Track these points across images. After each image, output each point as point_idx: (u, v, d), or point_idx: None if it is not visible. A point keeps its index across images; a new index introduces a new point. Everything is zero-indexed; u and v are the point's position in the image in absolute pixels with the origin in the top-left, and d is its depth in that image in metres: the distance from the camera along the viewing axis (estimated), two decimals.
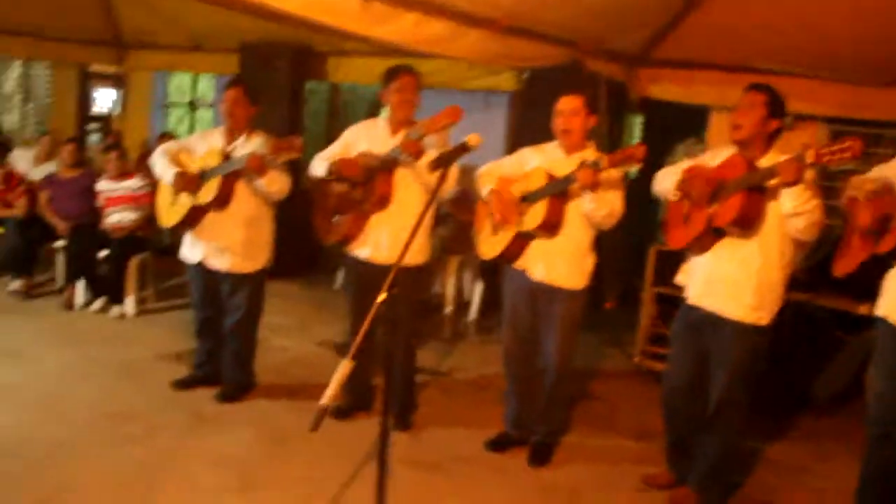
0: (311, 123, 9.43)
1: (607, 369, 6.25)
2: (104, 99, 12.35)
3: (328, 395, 2.61)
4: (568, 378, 4.47)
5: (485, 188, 4.32)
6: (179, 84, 11.78)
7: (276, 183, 4.61)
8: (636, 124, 9.46)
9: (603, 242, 6.10)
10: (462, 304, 7.58)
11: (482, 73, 7.27)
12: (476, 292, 7.40)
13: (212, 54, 9.13)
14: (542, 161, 4.26)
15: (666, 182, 3.95)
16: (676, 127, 8.96)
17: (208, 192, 4.64)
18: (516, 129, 7.14)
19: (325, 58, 8.28)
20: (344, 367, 2.63)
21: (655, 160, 4.81)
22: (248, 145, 4.69)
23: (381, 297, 2.77)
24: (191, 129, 11.50)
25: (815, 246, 5.42)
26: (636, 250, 6.60)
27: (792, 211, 3.48)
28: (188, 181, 4.69)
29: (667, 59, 6.34)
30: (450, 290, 7.43)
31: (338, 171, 4.41)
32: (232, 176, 4.63)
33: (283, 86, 7.96)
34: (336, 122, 9.81)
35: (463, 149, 3.29)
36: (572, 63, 5.95)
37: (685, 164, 4.01)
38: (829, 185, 6.27)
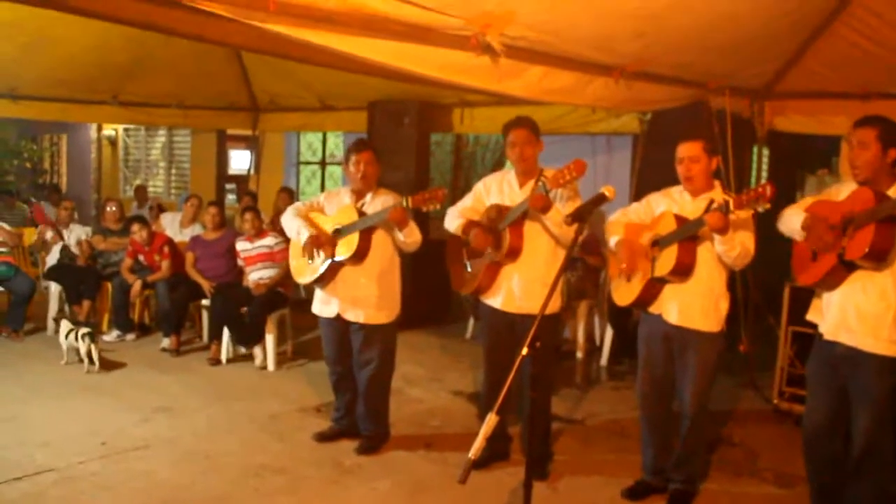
0: (436, 175, 9.66)
1: (745, 413, 6.08)
2: (239, 160, 12.99)
3: (475, 449, 2.67)
4: (705, 423, 4.39)
5: (612, 238, 4.35)
6: (310, 143, 12.28)
7: (414, 234, 4.77)
8: (763, 158, 9.24)
9: (736, 282, 6.03)
10: (592, 349, 7.54)
11: (605, 117, 7.31)
12: (606, 337, 7.35)
13: (340, 113, 9.56)
14: (669, 205, 4.26)
15: (791, 223, 3.89)
16: (806, 158, 8.76)
17: (347, 248, 4.81)
18: (641, 171, 7.12)
19: (450, 110, 8.51)
20: (490, 422, 2.70)
21: (785, 193, 4.73)
22: (377, 201, 4.88)
23: (524, 351, 2.84)
24: (322, 186, 11.97)
25: None
26: (769, 288, 6.44)
27: None
28: (321, 243, 4.87)
29: (793, 90, 6.24)
30: (580, 335, 7.42)
31: (467, 237, 4.58)
32: (368, 231, 4.81)
33: (409, 140, 8.19)
34: (461, 172, 10.01)
35: (599, 200, 3.38)
36: (696, 102, 5.92)
37: (808, 200, 3.95)
38: None
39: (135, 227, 7.69)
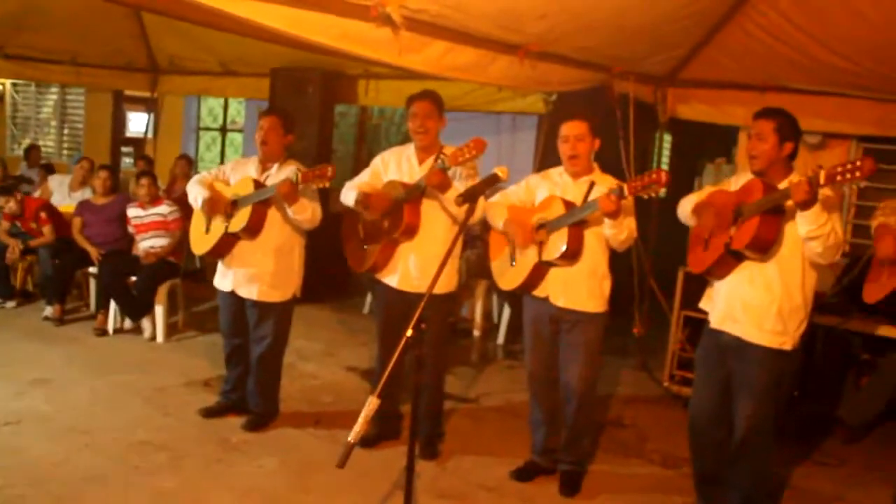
0: (340, 147, 9.49)
1: (636, 395, 6.18)
2: (137, 122, 12.52)
3: (355, 433, 2.61)
4: (593, 404, 4.45)
5: (499, 219, 4.31)
6: (211, 108, 11.93)
7: (306, 211, 4.61)
8: (665, 144, 9.41)
9: (632, 267, 6.12)
10: (490, 328, 7.56)
11: (510, 97, 7.30)
12: (504, 316, 7.38)
13: (242, 79, 9.29)
14: (550, 188, 4.26)
15: (685, 209, 3.95)
16: (706, 146, 8.96)
17: (240, 221, 4.67)
18: (544, 151, 7.13)
19: (355, 81, 8.36)
20: (371, 405, 2.63)
21: (685, 180, 4.79)
22: (282, 173, 4.70)
23: (409, 332, 2.78)
24: (221, 153, 11.65)
25: (845, 269, 5.40)
26: (664, 273, 6.55)
27: (807, 234, 3.45)
28: (217, 208, 4.75)
29: (696, 79, 6.34)
30: (478, 314, 7.43)
31: (366, 203, 4.44)
32: (263, 204, 4.66)
33: (313, 110, 8.01)
34: (365, 145, 9.87)
35: (491, 181, 3.32)
36: (600, 85, 5.94)
37: (707, 189, 4.01)
38: (863, 204, 6.24)
39: (0, 201, 7.32)
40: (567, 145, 4.14)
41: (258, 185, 4.70)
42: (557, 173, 4.29)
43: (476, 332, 7.46)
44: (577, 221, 4.03)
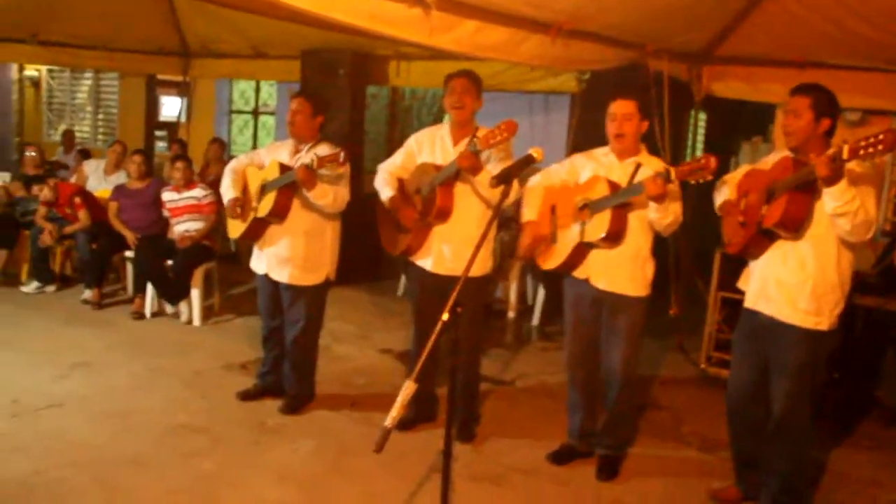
0: (371, 128, 9.47)
1: (672, 377, 6.13)
2: (170, 106, 12.59)
3: (392, 417, 2.60)
4: (634, 389, 4.39)
5: (525, 212, 4.29)
6: (243, 91, 11.96)
7: (327, 196, 4.59)
8: (700, 123, 9.28)
9: (668, 247, 6.05)
10: (524, 310, 7.53)
11: (543, 76, 7.23)
12: (538, 297, 7.34)
13: (273, 61, 9.28)
14: (595, 168, 4.19)
15: (717, 201, 3.96)
16: (742, 124, 8.83)
17: (266, 206, 4.69)
18: (577, 130, 7.07)
19: (386, 62, 8.31)
20: (408, 389, 2.62)
21: (721, 159, 4.72)
22: (312, 154, 4.67)
23: (445, 315, 2.76)
24: (254, 136, 11.69)
25: (885, 248, 5.29)
26: (701, 254, 6.48)
27: (833, 211, 3.36)
28: (235, 211, 4.83)
29: (731, 56, 6.20)
30: (512, 295, 7.41)
31: (395, 213, 4.49)
32: (288, 189, 4.66)
33: (344, 91, 7.99)
34: (397, 126, 9.84)
35: (526, 162, 3.28)
36: (634, 63, 5.86)
37: (743, 169, 3.96)
38: None
39: (34, 190, 7.39)
40: (614, 123, 4.08)
41: (284, 168, 4.70)
42: (603, 153, 4.22)
43: (511, 314, 7.45)
44: (620, 203, 3.97)
